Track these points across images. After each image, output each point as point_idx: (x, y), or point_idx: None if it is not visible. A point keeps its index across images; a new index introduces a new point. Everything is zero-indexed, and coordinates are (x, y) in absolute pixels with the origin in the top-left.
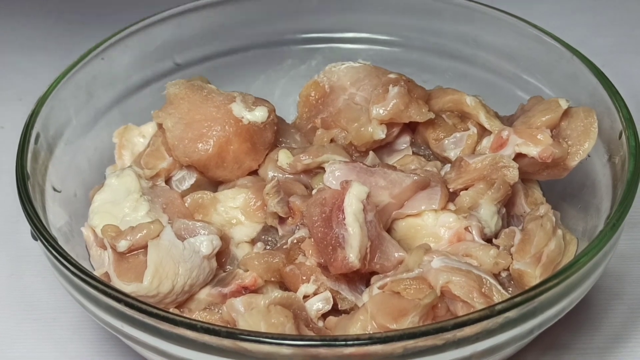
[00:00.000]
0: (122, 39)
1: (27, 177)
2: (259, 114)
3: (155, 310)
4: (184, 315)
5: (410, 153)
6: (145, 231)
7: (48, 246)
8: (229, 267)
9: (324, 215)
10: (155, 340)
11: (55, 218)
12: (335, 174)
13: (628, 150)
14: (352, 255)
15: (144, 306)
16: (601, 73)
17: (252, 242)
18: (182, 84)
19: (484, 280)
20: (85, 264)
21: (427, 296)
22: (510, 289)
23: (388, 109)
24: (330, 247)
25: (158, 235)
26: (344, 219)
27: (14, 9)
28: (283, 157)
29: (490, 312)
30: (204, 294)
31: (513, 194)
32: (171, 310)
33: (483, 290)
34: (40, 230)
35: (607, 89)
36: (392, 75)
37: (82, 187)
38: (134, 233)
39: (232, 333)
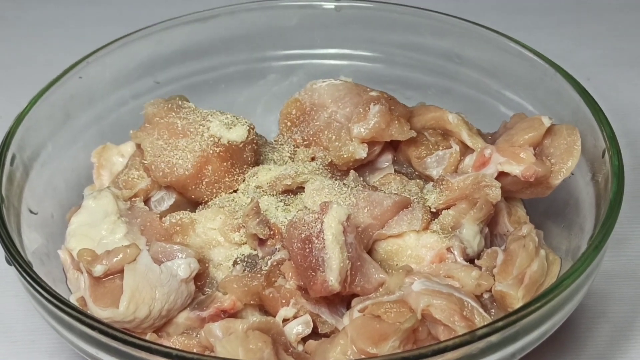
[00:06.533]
0: (101, 57)
1: (2, 200)
2: (237, 133)
3: (129, 338)
4: (159, 342)
5: (392, 171)
6: (121, 255)
7: (22, 272)
8: (207, 289)
9: (303, 237)
10: None
11: (31, 241)
12: (315, 194)
13: (611, 169)
14: (332, 278)
15: (117, 333)
16: (584, 90)
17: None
18: (160, 104)
19: (465, 303)
20: (62, 287)
21: (408, 320)
22: (493, 310)
23: (369, 127)
24: (310, 270)
25: (134, 259)
26: (323, 241)
27: None
28: (263, 176)
29: (471, 337)
30: (183, 318)
31: (496, 213)
32: (148, 335)
33: (464, 313)
34: (14, 256)
35: (591, 107)
36: (373, 93)
37: (60, 209)
38: (109, 257)
39: None
